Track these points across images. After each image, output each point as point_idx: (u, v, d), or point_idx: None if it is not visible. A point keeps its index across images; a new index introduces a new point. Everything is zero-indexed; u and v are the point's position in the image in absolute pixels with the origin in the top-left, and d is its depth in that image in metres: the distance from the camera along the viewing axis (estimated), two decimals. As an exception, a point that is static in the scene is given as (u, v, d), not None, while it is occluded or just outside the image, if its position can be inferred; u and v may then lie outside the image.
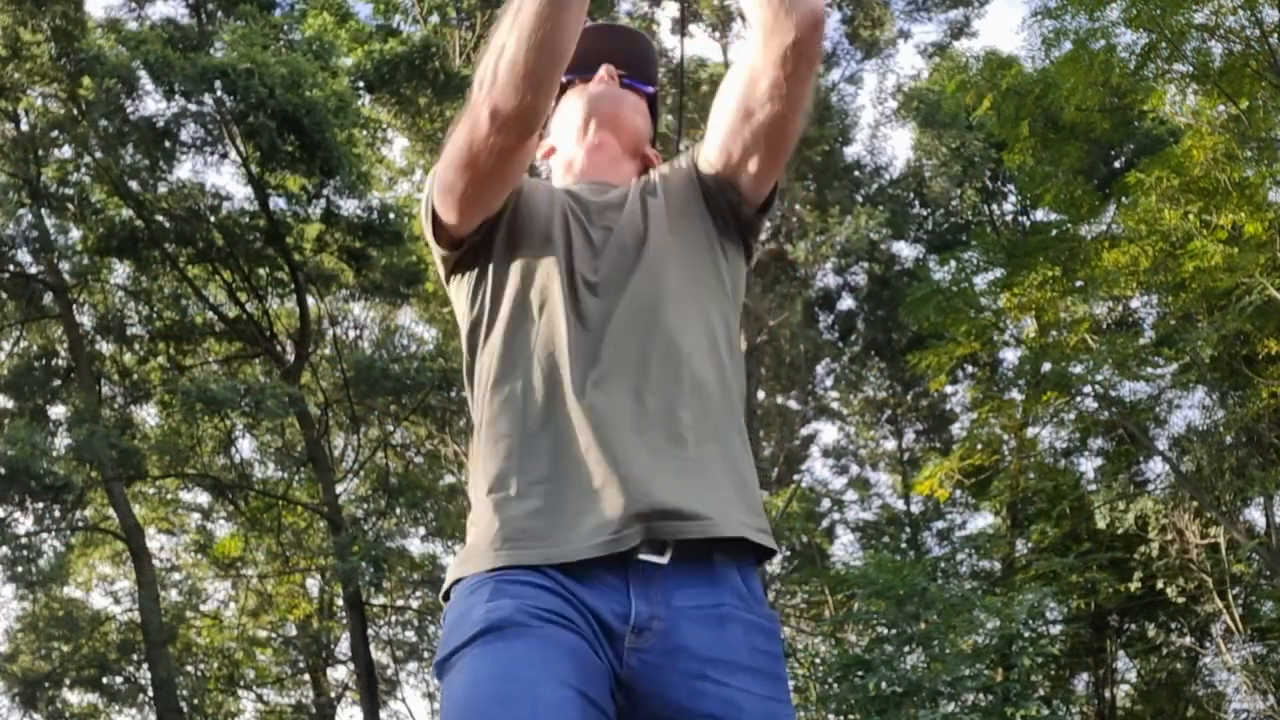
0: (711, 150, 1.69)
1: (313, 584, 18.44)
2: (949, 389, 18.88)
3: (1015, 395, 16.17)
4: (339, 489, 16.04)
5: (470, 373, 1.69)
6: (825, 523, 19.87)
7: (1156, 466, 16.19)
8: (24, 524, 13.78)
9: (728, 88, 1.65)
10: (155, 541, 17.76)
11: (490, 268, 1.66)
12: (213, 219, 14.61)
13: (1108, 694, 16.84)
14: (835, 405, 20.83)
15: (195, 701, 15.98)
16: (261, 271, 15.31)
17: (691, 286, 1.64)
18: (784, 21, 1.51)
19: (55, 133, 14.17)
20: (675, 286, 1.62)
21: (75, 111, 13.66)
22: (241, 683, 18.47)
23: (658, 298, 1.60)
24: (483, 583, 1.48)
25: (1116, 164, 15.66)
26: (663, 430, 1.52)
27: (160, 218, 14.45)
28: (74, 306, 15.10)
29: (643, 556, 1.46)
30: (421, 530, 18.07)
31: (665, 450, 1.50)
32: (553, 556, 1.46)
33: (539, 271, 1.62)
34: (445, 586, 1.58)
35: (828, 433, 21.03)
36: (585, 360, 1.54)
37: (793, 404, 19.63)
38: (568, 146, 1.87)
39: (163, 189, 14.37)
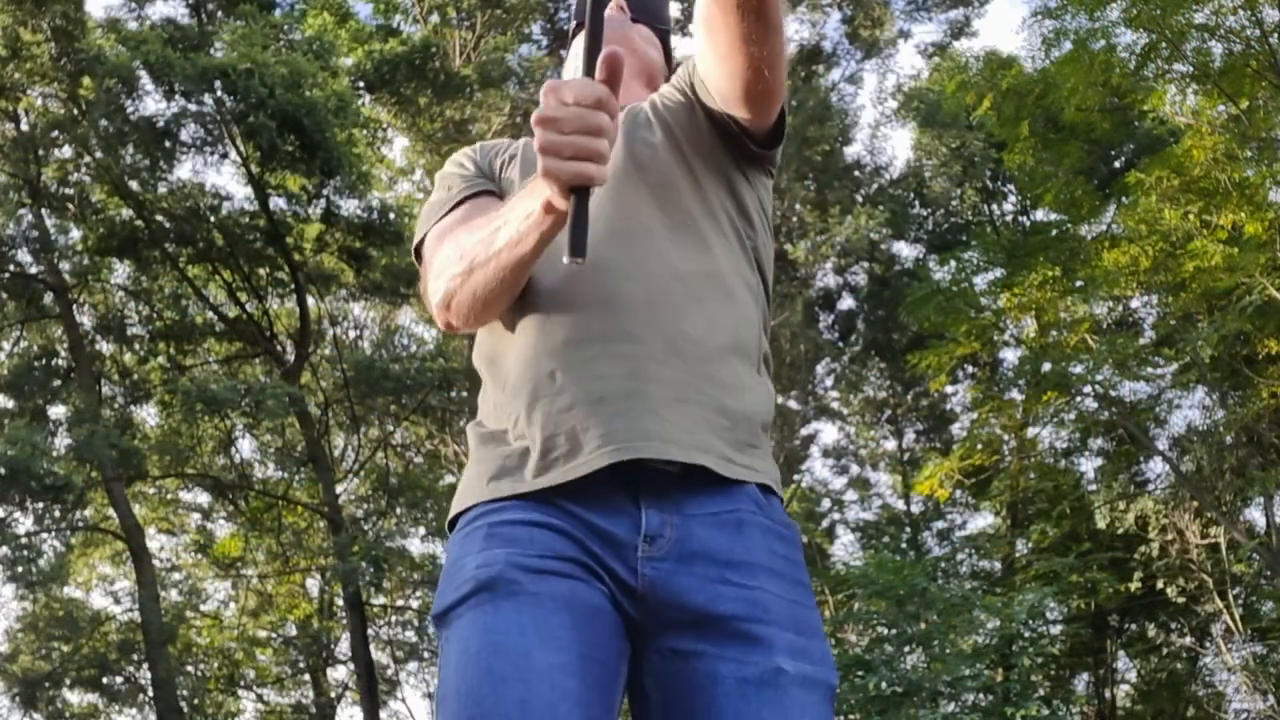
0: (702, 78, 1.58)
1: (313, 584, 18.44)
2: (949, 389, 18.87)
3: (1015, 395, 16.17)
4: (339, 489, 16.04)
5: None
6: (825, 523, 19.87)
7: (1156, 466, 16.20)
8: (24, 524, 13.80)
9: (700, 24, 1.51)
10: (155, 541, 17.76)
11: None
12: (213, 219, 14.61)
13: (1108, 694, 16.84)
14: (835, 405, 20.82)
15: (195, 701, 15.98)
16: (261, 271, 15.31)
17: (685, 220, 1.55)
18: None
19: (55, 133, 14.16)
20: (662, 221, 1.54)
21: (75, 111, 13.66)
22: (241, 683, 18.46)
23: (650, 236, 1.52)
24: (475, 527, 1.44)
25: (1116, 164, 15.66)
26: (673, 353, 1.46)
27: (160, 218, 14.45)
28: (74, 306, 15.10)
29: (650, 458, 1.40)
30: (421, 530, 18.06)
31: (671, 381, 1.45)
32: (551, 480, 1.42)
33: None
34: (448, 520, 1.56)
35: (828, 433, 21.05)
36: (581, 301, 1.48)
37: (793, 404, 19.60)
38: (572, 70, 1.78)
39: (163, 189, 14.37)
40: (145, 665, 15.25)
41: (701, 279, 1.52)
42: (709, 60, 1.52)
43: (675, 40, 1.98)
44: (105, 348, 16.04)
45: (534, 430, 1.45)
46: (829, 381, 20.76)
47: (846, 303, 20.01)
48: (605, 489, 1.41)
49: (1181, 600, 14.96)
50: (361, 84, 15.58)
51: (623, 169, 1.55)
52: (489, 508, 1.46)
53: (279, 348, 15.99)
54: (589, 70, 1.29)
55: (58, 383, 15.77)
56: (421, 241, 1.65)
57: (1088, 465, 17.15)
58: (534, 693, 1.29)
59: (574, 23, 1.87)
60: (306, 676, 18.24)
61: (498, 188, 1.66)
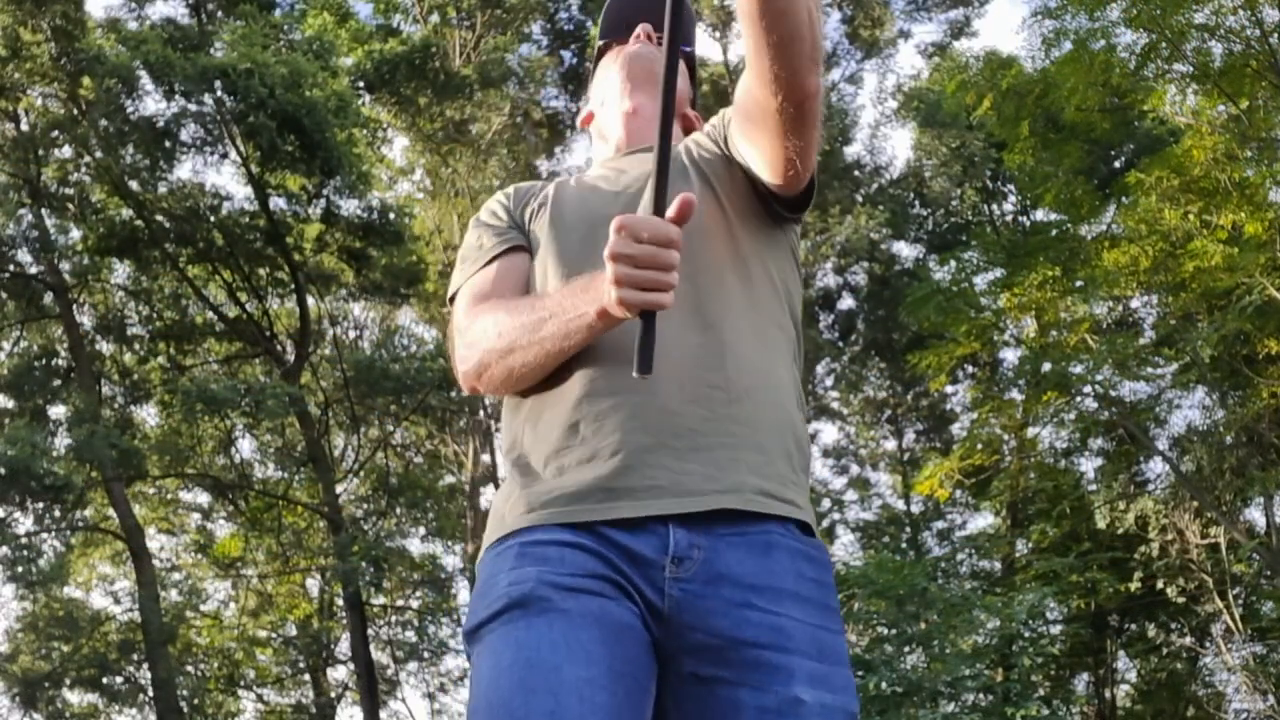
0: (735, 144, 1.65)
1: (313, 584, 18.44)
2: (949, 389, 18.88)
3: (1015, 395, 16.17)
4: (339, 489, 16.04)
5: None
6: (825, 523, 19.86)
7: (1156, 466, 16.20)
8: (24, 524, 13.80)
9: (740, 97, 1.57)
10: (155, 541, 17.76)
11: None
12: (213, 219, 14.61)
13: (1108, 694, 16.83)
14: (835, 405, 20.83)
15: (195, 701, 15.97)
16: (261, 271, 15.31)
17: (718, 268, 1.60)
18: (773, 101, 1.46)
19: (55, 133, 14.16)
20: (707, 269, 1.59)
21: (75, 111, 13.66)
22: (241, 683, 18.46)
23: (680, 283, 1.50)
24: (508, 547, 1.48)
25: (1116, 164, 15.66)
26: (694, 401, 1.50)
27: (160, 218, 14.45)
28: (74, 306, 15.10)
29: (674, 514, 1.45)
30: (421, 530, 18.08)
31: (696, 424, 1.49)
32: (579, 516, 1.46)
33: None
34: (483, 547, 1.59)
35: (828, 433, 21.04)
36: (607, 352, 1.52)
37: (793, 404, 19.58)
38: (605, 114, 1.84)
39: (163, 189, 14.37)
40: (145, 665, 15.25)
41: (732, 325, 1.56)
42: (743, 142, 1.60)
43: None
44: (105, 348, 16.04)
45: (562, 479, 1.49)
46: (829, 381, 20.77)
47: (846, 303, 20.02)
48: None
49: (1181, 600, 14.95)
50: (361, 84, 15.59)
51: None
52: (523, 533, 1.49)
53: (279, 348, 15.99)
54: (658, 205, 1.38)
55: (58, 383, 15.76)
56: (456, 292, 1.72)
57: (1088, 465, 17.16)
58: (563, 705, 1.31)
59: (601, 42, 1.89)
60: (306, 676, 18.23)
61: (527, 239, 1.72)
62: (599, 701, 1.33)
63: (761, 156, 1.57)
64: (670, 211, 1.38)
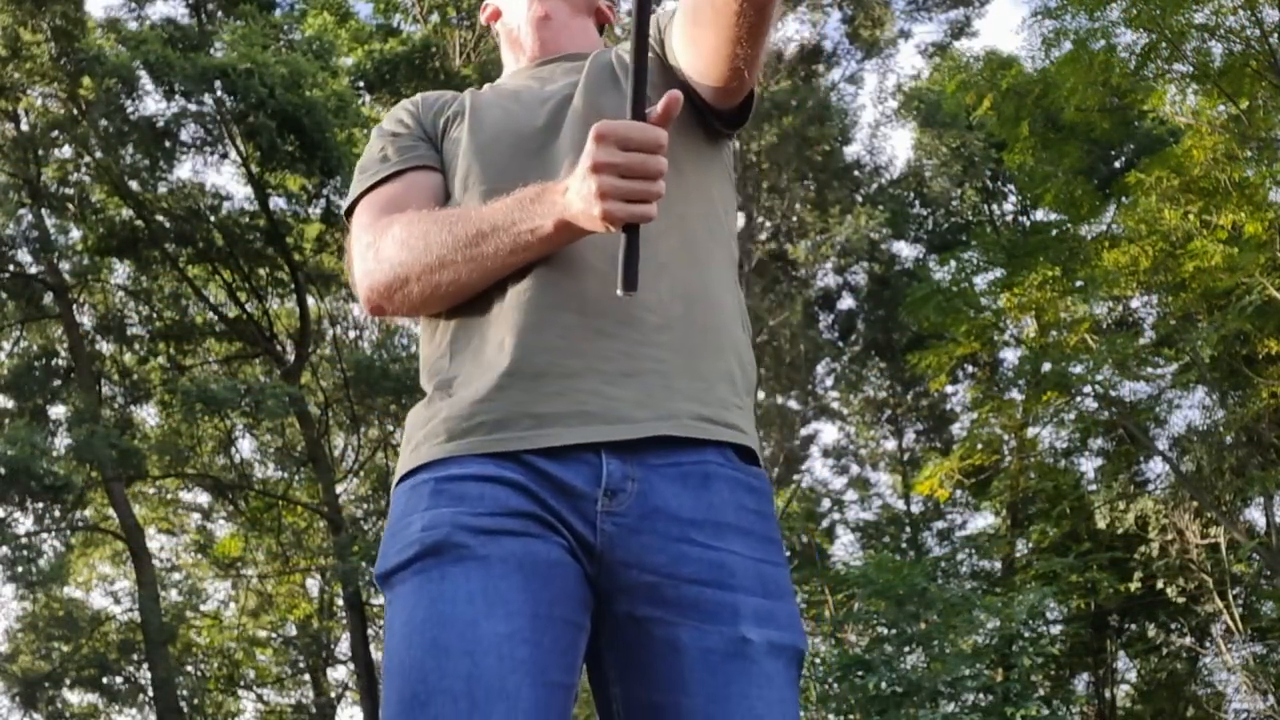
0: (674, 51, 1.50)
1: (313, 584, 18.44)
2: (949, 389, 18.88)
3: (1015, 395, 16.17)
4: (339, 489, 16.04)
5: None
6: (825, 523, 19.87)
7: (1156, 466, 16.20)
8: (24, 524, 13.80)
9: None
10: (155, 541, 17.76)
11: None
12: (213, 219, 14.61)
13: (1108, 694, 16.83)
14: (835, 405, 20.83)
15: (195, 701, 15.97)
16: (261, 271, 15.31)
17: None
18: None
19: (55, 133, 14.16)
20: None
21: (75, 111, 13.66)
22: (241, 683, 18.46)
23: None
24: (422, 481, 1.37)
25: (1116, 164, 15.66)
26: (625, 323, 1.39)
27: (160, 218, 14.45)
28: (74, 306, 15.10)
29: (604, 440, 1.34)
30: (421, 530, 18.03)
31: (622, 341, 1.38)
32: (505, 447, 1.35)
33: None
34: (396, 477, 1.46)
35: (828, 433, 21.06)
36: (538, 270, 1.41)
37: (793, 404, 19.61)
38: (513, 17, 1.70)
39: (163, 189, 14.38)
40: (145, 665, 15.26)
41: (668, 245, 1.43)
42: (689, 48, 1.46)
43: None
44: (105, 348, 16.05)
45: (485, 404, 1.37)
46: (829, 381, 20.78)
47: (846, 303, 20.02)
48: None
49: (1181, 600, 14.95)
50: (361, 84, 15.57)
51: (587, 127, 1.40)
52: (441, 465, 1.37)
53: (279, 348, 15.99)
54: (637, 108, 1.28)
55: (58, 383, 15.77)
56: (355, 203, 1.56)
57: (1088, 465, 17.16)
58: (481, 665, 1.23)
59: None
60: (306, 676, 18.24)
61: (438, 150, 1.58)
62: (520, 657, 1.24)
63: (706, 64, 1.44)
64: (657, 110, 1.28)
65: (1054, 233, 14.91)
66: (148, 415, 16.89)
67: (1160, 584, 14.64)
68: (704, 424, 1.38)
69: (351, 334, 18.23)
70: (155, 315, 15.87)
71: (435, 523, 1.32)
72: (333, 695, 17.75)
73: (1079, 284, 13.42)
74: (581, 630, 1.33)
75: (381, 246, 1.46)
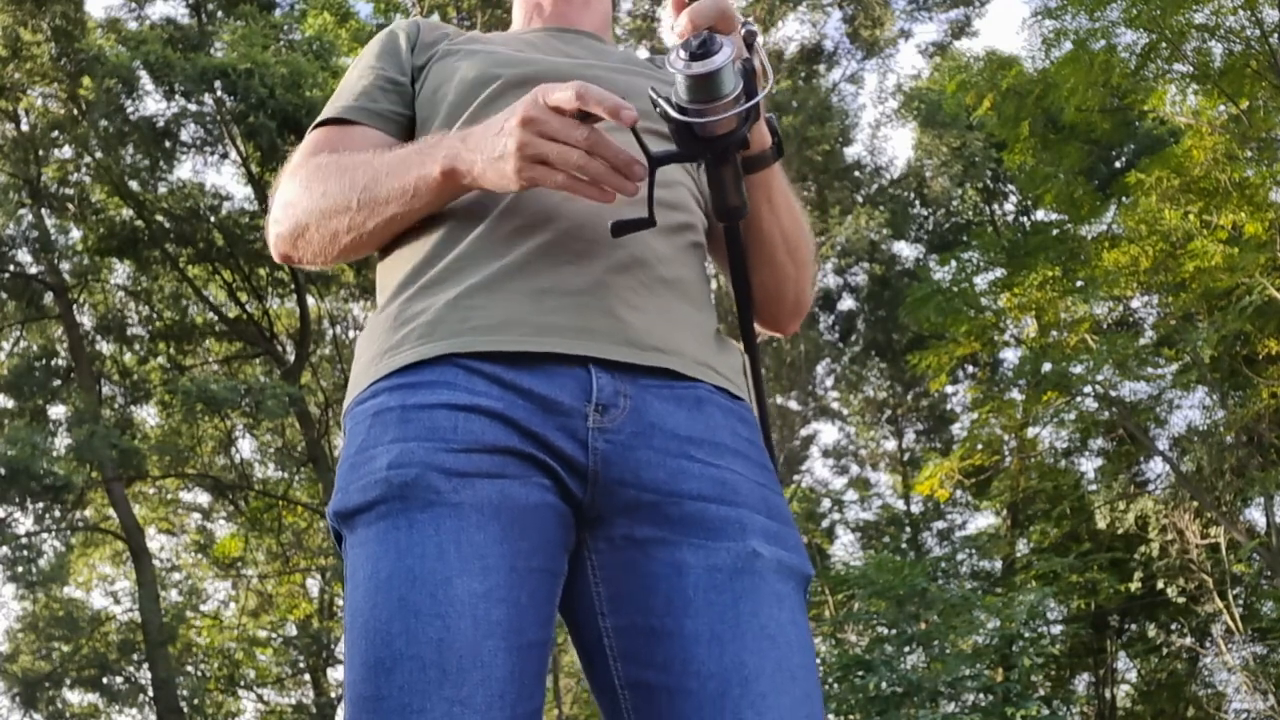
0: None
1: (313, 584, 18.44)
2: (949, 389, 18.88)
3: (1015, 395, 16.16)
4: (339, 489, 16.01)
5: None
6: (825, 523, 19.87)
7: (1156, 466, 16.20)
8: (24, 524, 13.82)
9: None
10: (155, 541, 17.77)
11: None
12: (213, 219, 14.62)
13: (1108, 694, 16.83)
14: (835, 405, 20.83)
15: (195, 701, 15.97)
16: (261, 271, 15.32)
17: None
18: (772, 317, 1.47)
19: (55, 133, 14.17)
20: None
21: (75, 111, 13.67)
22: (241, 683, 18.46)
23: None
24: (388, 407, 1.22)
25: (1117, 164, 15.66)
26: (638, 263, 1.31)
27: (160, 218, 14.46)
28: (74, 306, 15.11)
29: (603, 358, 1.25)
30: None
31: (632, 270, 1.30)
32: (487, 345, 1.23)
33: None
34: (346, 401, 1.32)
35: (828, 433, 21.09)
36: (530, 210, 1.31)
37: (793, 404, 19.62)
38: None
39: (163, 189, 14.39)
40: (145, 665, 15.26)
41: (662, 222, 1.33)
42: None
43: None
44: (105, 348, 16.06)
45: (477, 308, 1.25)
46: (829, 381, 20.79)
47: (846, 303, 20.02)
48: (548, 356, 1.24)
49: (1181, 600, 14.96)
50: (361, 84, 15.57)
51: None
52: (405, 379, 1.24)
53: (279, 348, 15.99)
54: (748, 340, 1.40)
55: (58, 383, 15.78)
56: (317, 128, 1.46)
57: (1088, 465, 17.16)
58: (453, 629, 1.11)
59: None
60: (306, 676, 18.24)
61: (411, 85, 1.48)
62: (495, 618, 1.13)
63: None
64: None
65: (1054, 233, 14.90)
66: (148, 415, 16.91)
67: (1160, 584, 14.65)
68: (703, 368, 1.31)
69: (351, 334, 18.23)
70: (155, 315, 15.88)
71: (403, 460, 1.18)
72: (333, 695, 17.74)
73: (1079, 284, 13.43)
74: (559, 577, 1.22)
75: (288, 191, 1.38)
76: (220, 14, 14.63)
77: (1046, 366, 13.87)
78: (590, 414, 1.22)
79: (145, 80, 12.92)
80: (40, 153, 14.14)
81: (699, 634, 1.18)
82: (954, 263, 14.69)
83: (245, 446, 17.65)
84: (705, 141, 1.17)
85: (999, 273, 14.27)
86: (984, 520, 18.65)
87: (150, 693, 14.86)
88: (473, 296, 1.26)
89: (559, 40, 1.54)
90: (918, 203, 19.19)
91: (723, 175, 1.21)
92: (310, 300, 15.63)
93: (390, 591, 1.13)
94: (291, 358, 15.62)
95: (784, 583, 1.22)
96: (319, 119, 1.46)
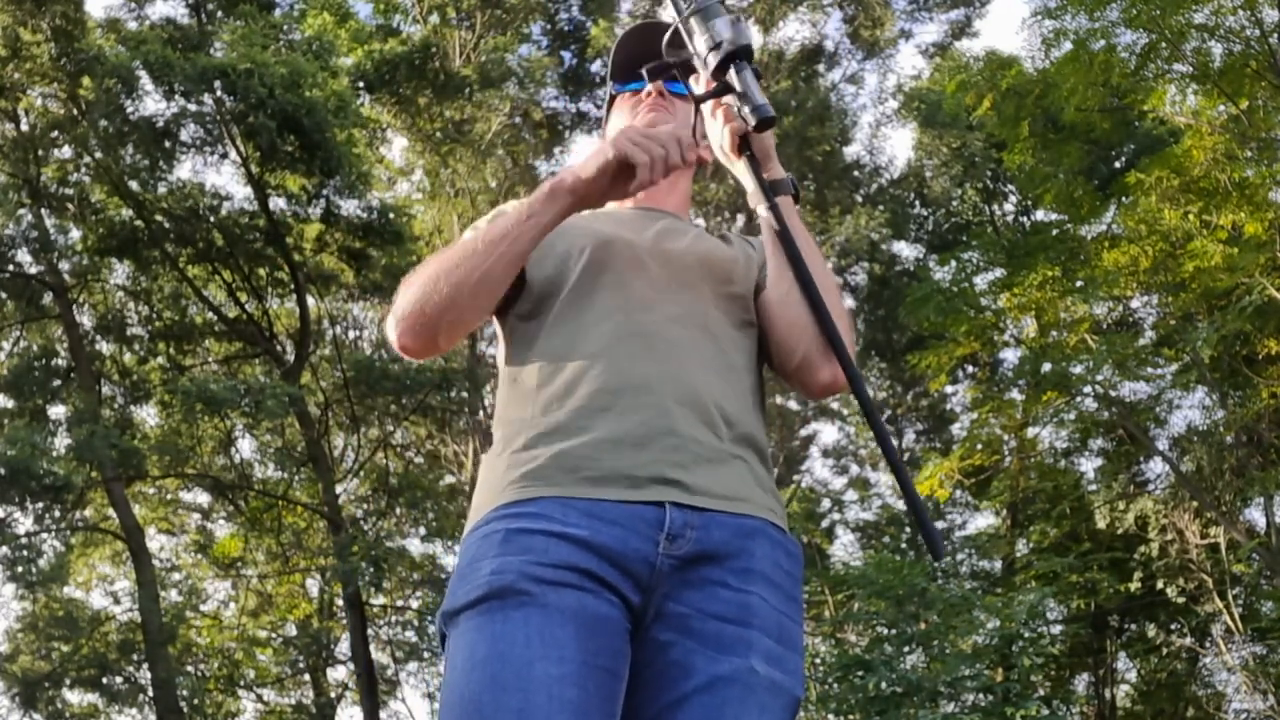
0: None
1: (313, 584, 18.43)
2: (949, 389, 18.87)
3: (1015, 395, 16.16)
4: (339, 489, 16.03)
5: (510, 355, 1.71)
6: (825, 523, 19.87)
7: (1156, 466, 16.19)
8: (24, 524, 13.79)
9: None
10: (155, 541, 17.76)
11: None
12: (213, 219, 14.60)
13: (1108, 694, 16.83)
14: (835, 405, 20.81)
15: (195, 701, 15.95)
16: (261, 271, 15.31)
17: (732, 327, 1.69)
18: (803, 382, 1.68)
19: (55, 133, 14.16)
20: (720, 316, 1.67)
21: (75, 111, 13.66)
22: (241, 683, 18.45)
23: (708, 311, 1.65)
24: (494, 530, 1.49)
25: (1116, 164, 15.64)
26: (708, 413, 1.56)
27: (160, 218, 14.44)
28: (74, 306, 15.09)
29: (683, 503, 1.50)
30: (421, 530, 18.04)
31: (706, 430, 1.55)
32: (577, 493, 1.48)
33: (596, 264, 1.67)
34: (466, 529, 1.59)
35: (828, 433, 21.05)
36: (625, 344, 1.58)
37: (793, 404, 19.61)
38: None
39: (163, 189, 14.36)
40: (145, 665, 15.25)
41: (730, 368, 1.64)
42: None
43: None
44: (105, 348, 16.04)
45: (580, 460, 1.50)
46: (829, 381, 20.74)
47: (846, 303, 19.98)
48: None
49: (1181, 600, 14.95)
50: (361, 84, 15.57)
51: (698, 266, 1.70)
52: (512, 510, 1.49)
53: (279, 348, 15.98)
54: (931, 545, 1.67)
55: (58, 383, 15.76)
56: None
57: (1088, 465, 17.16)
58: (532, 702, 1.34)
59: (613, 89, 1.92)
60: (306, 676, 18.23)
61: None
62: (568, 698, 1.35)
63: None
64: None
65: (1054, 233, 14.90)
66: (148, 415, 16.90)
67: (1160, 584, 14.64)
68: (762, 509, 1.56)
69: (351, 334, 18.24)
70: (155, 315, 15.87)
71: (503, 568, 1.43)
72: (333, 695, 17.74)
73: (1079, 284, 13.42)
74: (620, 680, 1.44)
75: (411, 281, 1.64)
76: (220, 14, 14.62)
77: (1046, 366, 13.86)
78: (661, 541, 1.47)
79: (145, 80, 12.90)
80: (40, 153, 14.13)
81: None
82: (954, 263, 14.69)
83: (245, 446, 17.65)
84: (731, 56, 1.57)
85: (999, 273, 14.26)
86: (984, 520, 18.67)
87: (150, 693, 14.85)
88: (577, 450, 1.51)
89: (647, 219, 1.81)
90: (917, 203, 19.18)
91: (747, 80, 1.57)
92: (310, 300, 15.62)
93: (485, 669, 1.38)
94: (291, 358, 15.61)
95: (773, 699, 1.46)
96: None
